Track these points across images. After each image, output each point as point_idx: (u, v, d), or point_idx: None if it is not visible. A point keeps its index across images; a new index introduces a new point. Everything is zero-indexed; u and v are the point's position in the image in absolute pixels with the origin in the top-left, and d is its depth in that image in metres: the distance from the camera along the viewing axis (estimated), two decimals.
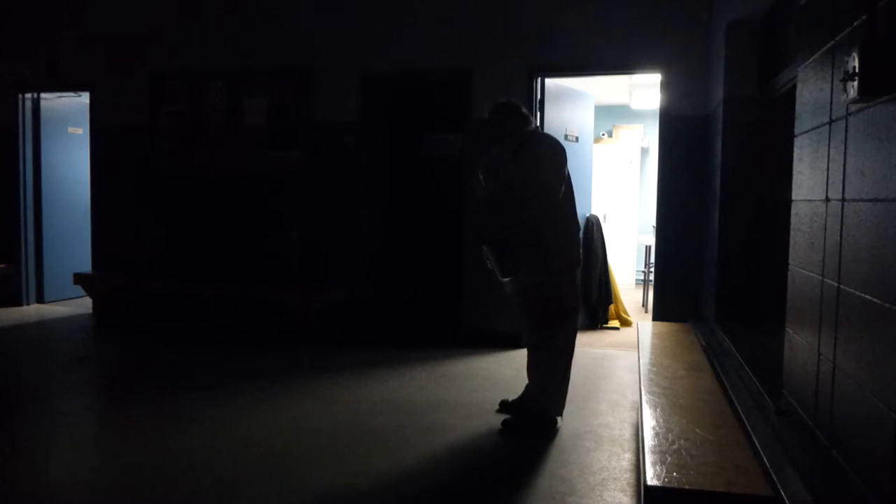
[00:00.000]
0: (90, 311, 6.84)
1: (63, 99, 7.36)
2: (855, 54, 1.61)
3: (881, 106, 1.61)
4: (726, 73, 4.33)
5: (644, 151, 9.57)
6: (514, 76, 5.54)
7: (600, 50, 5.46)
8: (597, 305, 6.51)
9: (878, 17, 1.61)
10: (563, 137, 5.98)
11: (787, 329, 2.40)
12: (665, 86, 5.36)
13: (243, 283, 6.22)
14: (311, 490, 2.96)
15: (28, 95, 7.09)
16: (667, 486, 2.03)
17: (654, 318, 5.42)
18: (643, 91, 7.79)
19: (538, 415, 3.69)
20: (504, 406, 3.93)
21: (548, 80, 5.72)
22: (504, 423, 3.70)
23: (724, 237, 4.37)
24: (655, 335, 4.36)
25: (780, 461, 2.06)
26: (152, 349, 5.61)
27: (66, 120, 7.45)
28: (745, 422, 2.47)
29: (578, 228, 3.86)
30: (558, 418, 3.75)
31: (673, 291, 5.41)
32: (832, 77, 1.98)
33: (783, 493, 1.85)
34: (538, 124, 5.58)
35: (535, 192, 3.59)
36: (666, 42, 5.30)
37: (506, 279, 3.76)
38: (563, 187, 3.67)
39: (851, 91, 1.65)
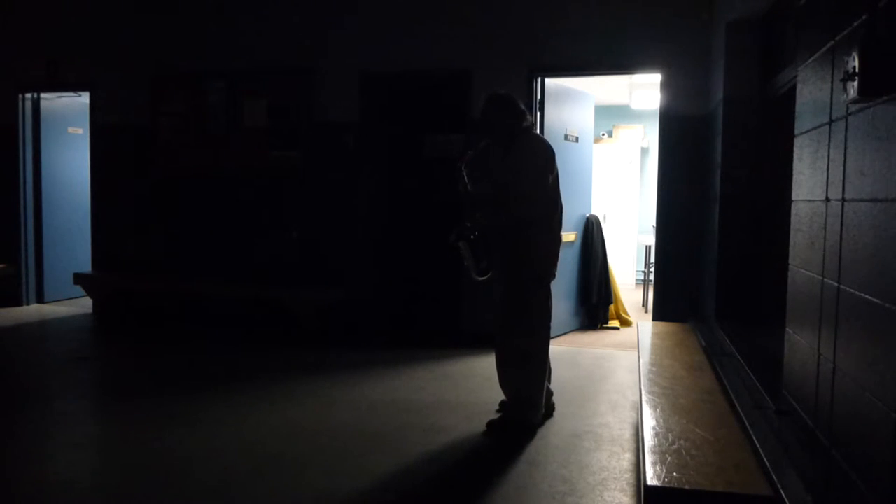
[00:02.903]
0: (90, 311, 6.85)
1: (63, 99, 7.36)
2: (855, 54, 1.61)
3: (881, 106, 1.61)
4: (726, 73, 4.33)
5: (644, 151, 9.57)
6: (514, 76, 5.53)
7: (600, 50, 5.46)
8: (597, 305, 6.51)
9: (878, 17, 1.61)
10: (563, 137, 5.99)
11: (787, 329, 2.40)
12: (665, 86, 5.36)
13: (243, 283, 6.22)
14: (311, 490, 2.96)
15: (28, 95, 7.10)
16: (667, 486, 2.03)
17: (654, 318, 5.42)
18: (643, 91, 7.79)
19: (520, 424, 3.66)
20: (504, 407, 3.92)
21: (548, 80, 5.73)
22: (489, 423, 3.68)
23: (724, 237, 4.37)
24: (655, 335, 4.35)
25: (780, 461, 2.06)
26: (152, 349, 5.61)
27: (66, 120, 7.45)
28: (745, 422, 2.47)
29: (559, 241, 3.69)
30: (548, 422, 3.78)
31: (673, 291, 5.41)
32: (832, 77, 1.98)
33: (783, 493, 1.85)
34: (537, 124, 5.57)
35: (514, 196, 3.48)
36: (666, 42, 5.30)
37: (481, 278, 3.70)
38: (547, 195, 3.54)
39: (851, 91, 1.65)
